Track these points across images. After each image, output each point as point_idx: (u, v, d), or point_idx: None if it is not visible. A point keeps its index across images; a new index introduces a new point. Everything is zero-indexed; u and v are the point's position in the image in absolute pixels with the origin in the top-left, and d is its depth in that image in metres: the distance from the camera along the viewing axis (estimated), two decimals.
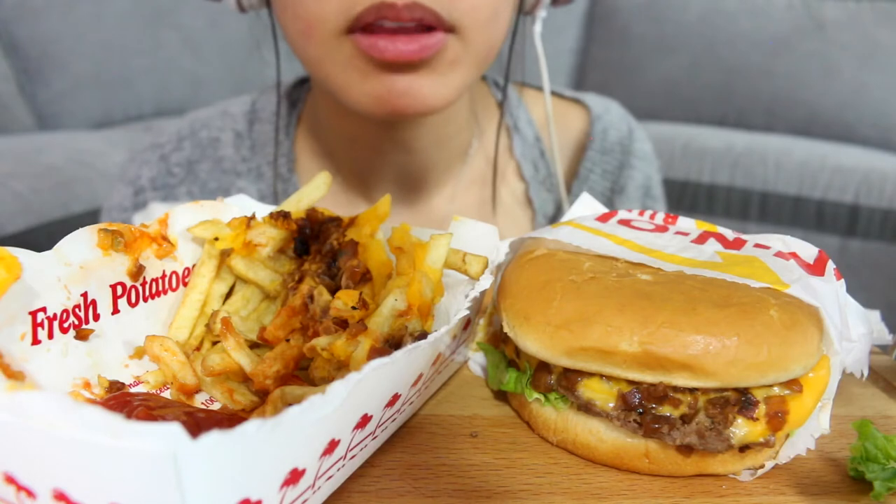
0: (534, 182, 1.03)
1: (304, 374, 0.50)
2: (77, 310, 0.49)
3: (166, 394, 0.52)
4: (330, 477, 0.40)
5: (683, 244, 0.56)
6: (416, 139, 0.90)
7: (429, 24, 0.71)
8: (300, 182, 1.00)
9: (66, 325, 0.48)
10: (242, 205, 0.62)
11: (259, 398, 0.49)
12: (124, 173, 1.05)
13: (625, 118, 1.11)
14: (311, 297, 0.51)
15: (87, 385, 0.49)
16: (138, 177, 1.02)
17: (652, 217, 0.63)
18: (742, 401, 0.45)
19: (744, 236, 0.59)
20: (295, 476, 0.35)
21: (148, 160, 1.03)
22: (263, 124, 1.02)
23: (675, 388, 0.45)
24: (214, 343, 0.55)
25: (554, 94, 1.07)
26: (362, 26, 0.71)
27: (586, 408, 0.48)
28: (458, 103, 0.89)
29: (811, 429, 0.48)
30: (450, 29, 0.73)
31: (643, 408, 0.46)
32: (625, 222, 0.61)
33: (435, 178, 0.98)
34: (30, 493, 0.32)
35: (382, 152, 0.93)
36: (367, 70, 0.75)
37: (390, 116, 0.79)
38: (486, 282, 0.53)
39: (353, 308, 0.48)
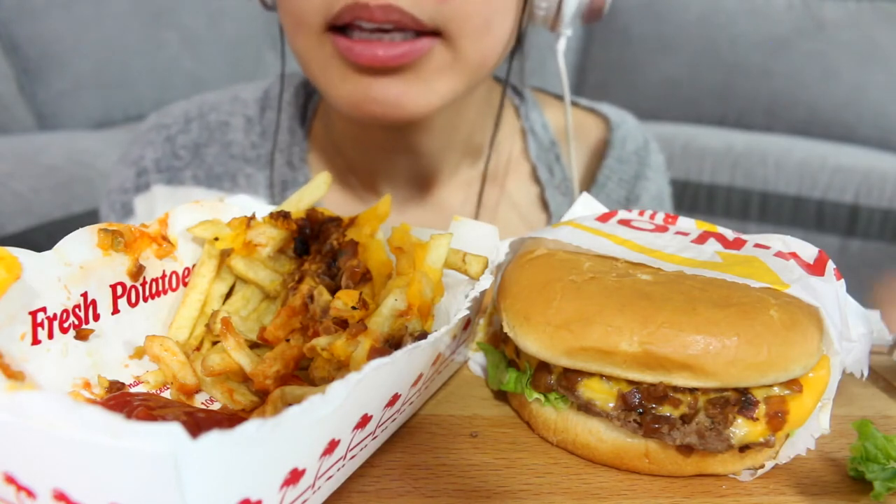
0: (549, 186, 1.03)
1: (304, 374, 0.50)
2: (77, 310, 0.49)
3: (166, 394, 0.52)
4: (330, 477, 0.40)
5: (683, 244, 0.56)
6: (423, 143, 0.90)
7: (408, 28, 0.70)
8: (311, 173, 1.00)
9: (66, 325, 0.48)
10: (242, 204, 0.62)
11: (259, 398, 0.49)
12: (126, 154, 1.02)
13: (640, 129, 1.11)
14: (311, 297, 0.51)
15: (87, 385, 0.49)
16: (141, 157, 1.00)
17: (652, 217, 0.63)
18: (742, 401, 0.45)
19: (744, 236, 0.59)
20: (295, 476, 0.35)
21: (152, 141, 1.00)
22: (276, 112, 1.01)
23: (675, 388, 0.45)
24: (214, 343, 0.55)
25: (571, 102, 1.08)
26: (341, 26, 0.71)
27: (586, 408, 0.48)
28: (466, 107, 0.88)
29: (811, 429, 0.48)
30: (436, 34, 0.71)
31: (643, 408, 0.46)
32: (625, 222, 0.61)
33: (446, 178, 0.97)
34: (30, 493, 0.32)
35: (390, 153, 0.92)
36: (345, 72, 0.74)
37: (368, 121, 0.78)
38: (486, 282, 0.53)
39: (353, 308, 0.48)
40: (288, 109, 1.01)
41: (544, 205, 1.03)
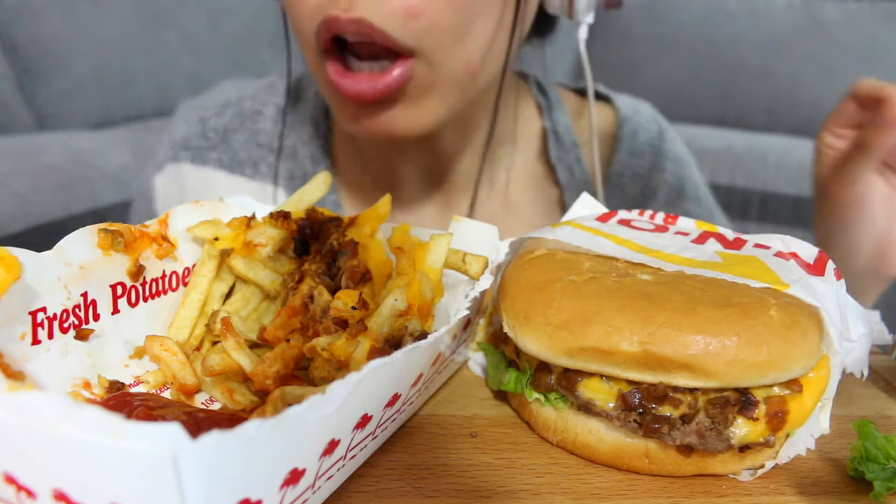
0: (568, 188, 1.00)
1: (304, 374, 0.50)
2: (77, 310, 0.49)
3: (166, 394, 0.52)
4: (330, 477, 0.40)
5: (683, 244, 0.56)
6: (437, 142, 0.89)
7: (383, 47, 0.70)
8: (333, 167, 1.00)
9: (66, 325, 0.48)
10: (242, 205, 0.62)
11: (259, 398, 0.49)
12: (170, 128, 1.08)
13: (654, 119, 1.08)
14: (311, 297, 0.51)
15: (87, 385, 0.49)
16: (175, 132, 1.05)
17: (652, 217, 0.63)
18: (742, 401, 0.45)
19: (744, 236, 0.59)
20: (295, 476, 0.35)
21: (189, 119, 1.05)
22: (306, 103, 1.02)
23: (675, 388, 0.45)
24: (214, 343, 0.55)
25: (583, 91, 1.05)
26: (327, 47, 0.72)
27: (586, 408, 0.48)
28: (480, 106, 0.87)
29: (811, 429, 0.48)
30: (411, 53, 0.71)
31: (643, 408, 0.46)
32: (625, 222, 0.61)
33: (463, 180, 0.96)
34: (30, 493, 0.32)
35: (405, 152, 0.92)
36: (340, 98, 0.76)
37: (372, 140, 0.80)
38: (486, 282, 0.53)
39: (353, 308, 0.48)
40: (314, 101, 1.01)
41: (563, 207, 1.01)
